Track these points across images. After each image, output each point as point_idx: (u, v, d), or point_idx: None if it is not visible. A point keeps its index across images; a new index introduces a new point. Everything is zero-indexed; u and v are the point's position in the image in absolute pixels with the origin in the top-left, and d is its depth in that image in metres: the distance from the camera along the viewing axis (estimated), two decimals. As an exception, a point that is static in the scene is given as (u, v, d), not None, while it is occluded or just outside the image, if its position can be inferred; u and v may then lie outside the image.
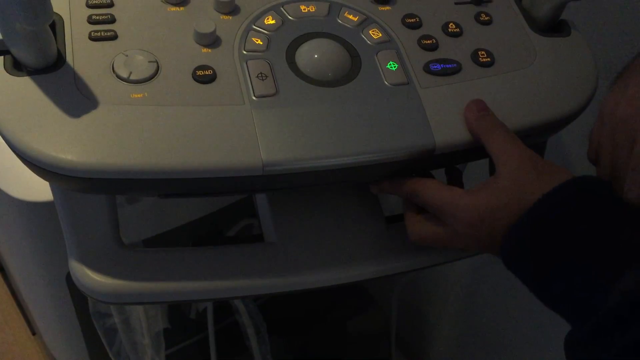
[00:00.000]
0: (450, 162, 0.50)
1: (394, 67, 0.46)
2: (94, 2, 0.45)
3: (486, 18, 0.50)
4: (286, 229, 0.48)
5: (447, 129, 0.44)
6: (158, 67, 0.42)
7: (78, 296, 0.78)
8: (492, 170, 0.55)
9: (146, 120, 0.40)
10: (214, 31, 0.44)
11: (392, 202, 0.50)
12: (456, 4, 0.51)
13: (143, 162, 0.38)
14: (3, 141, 0.40)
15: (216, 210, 0.90)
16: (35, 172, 0.40)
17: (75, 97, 0.40)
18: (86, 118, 0.39)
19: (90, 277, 0.44)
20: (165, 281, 0.45)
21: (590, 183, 0.39)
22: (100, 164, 0.38)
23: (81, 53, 0.42)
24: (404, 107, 0.44)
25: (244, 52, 0.44)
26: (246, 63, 0.44)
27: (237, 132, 0.41)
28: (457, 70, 0.47)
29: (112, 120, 0.39)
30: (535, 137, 0.48)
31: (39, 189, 0.71)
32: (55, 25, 0.43)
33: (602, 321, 0.35)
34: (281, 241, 0.48)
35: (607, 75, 0.69)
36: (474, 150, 0.45)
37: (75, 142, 0.38)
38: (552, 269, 0.38)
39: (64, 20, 0.44)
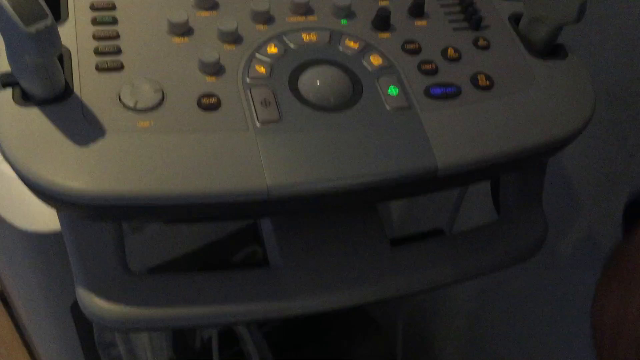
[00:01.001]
0: (455, 184, 0.50)
1: (395, 92, 0.47)
2: (101, 34, 0.46)
3: (484, 43, 0.51)
4: (291, 253, 0.49)
5: (449, 150, 0.44)
6: (164, 95, 0.43)
7: (83, 326, 0.78)
8: (496, 201, 0.56)
9: (152, 148, 0.41)
10: (218, 60, 0.45)
11: (395, 224, 0.50)
12: (455, 30, 0.52)
13: (149, 188, 0.39)
14: (6, 173, 0.40)
15: (220, 238, 0.91)
16: (43, 201, 0.41)
17: (82, 127, 0.41)
18: (93, 146, 0.40)
19: (97, 304, 0.44)
20: (172, 307, 0.45)
21: None
22: (108, 191, 0.39)
23: (88, 84, 0.43)
24: (405, 130, 0.45)
25: (248, 80, 0.45)
26: (250, 90, 0.45)
27: (241, 157, 0.41)
28: (457, 93, 0.48)
29: (119, 149, 0.40)
30: (536, 159, 0.48)
31: (43, 220, 0.72)
32: (63, 57, 0.44)
33: None
34: (286, 265, 0.48)
35: (605, 97, 0.70)
36: (478, 172, 0.45)
37: (83, 170, 0.39)
38: None
39: (71, 53, 0.45)
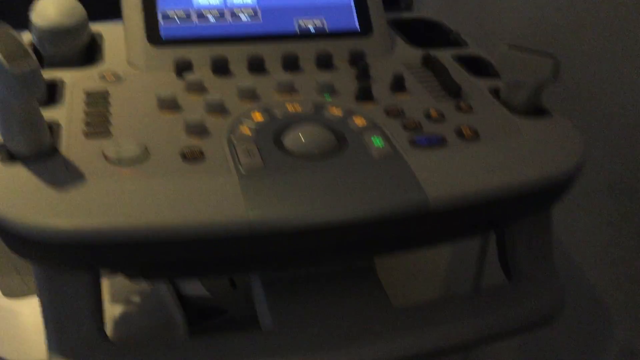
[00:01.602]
0: (450, 224, 0.47)
1: (380, 143, 0.47)
2: (92, 110, 0.48)
3: (466, 106, 0.52)
4: (283, 315, 0.45)
5: (439, 185, 0.43)
6: (148, 151, 0.44)
7: None
8: (505, 266, 0.53)
9: (132, 188, 0.40)
10: (203, 121, 0.46)
11: (398, 291, 0.47)
12: (436, 98, 0.54)
13: (126, 222, 0.38)
14: None
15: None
16: (20, 252, 0.40)
17: (64, 177, 0.41)
18: (72, 191, 0.40)
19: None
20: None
21: None
22: (83, 226, 0.37)
23: (74, 146, 0.44)
24: (392, 172, 0.44)
25: (232, 139, 0.46)
26: (234, 145, 0.45)
27: (223, 195, 0.40)
28: (442, 143, 0.47)
29: (98, 191, 0.40)
30: (532, 202, 0.47)
31: (32, 353, 0.69)
32: (53, 129, 0.45)
33: None
34: (278, 326, 0.44)
35: (609, 192, 0.69)
36: (471, 209, 0.43)
37: (60, 210, 0.38)
38: None
39: (62, 126, 0.46)
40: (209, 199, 0.40)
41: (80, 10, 0.56)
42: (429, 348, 0.44)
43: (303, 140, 0.46)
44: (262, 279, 0.48)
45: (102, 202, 0.39)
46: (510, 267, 0.51)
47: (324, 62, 0.58)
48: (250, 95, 0.51)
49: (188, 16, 0.58)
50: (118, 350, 0.41)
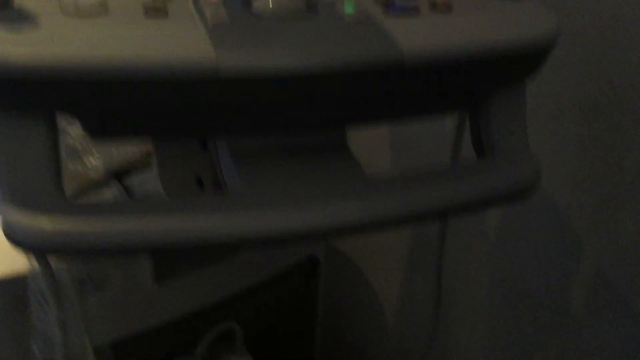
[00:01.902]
0: (425, 92, 0.46)
1: (352, 9, 0.45)
2: None
3: None
4: (251, 176, 0.43)
5: (414, 41, 0.42)
6: (107, 6, 0.41)
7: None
8: (478, 143, 0.52)
9: (91, 31, 0.38)
10: (167, -16, 0.44)
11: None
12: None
13: (83, 55, 0.36)
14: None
15: (193, 311, 0.83)
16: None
17: (18, 22, 0.38)
18: (26, 32, 0.37)
19: (24, 221, 0.37)
20: (117, 225, 0.38)
21: None
22: (37, 56, 0.35)
23: (29, 2, 0.41)
24: (365, 31, 0.43)
25: (198, 3, 0.44)
26: (200, 6, 0.43)
27: (190, 40, 0.39)
28: (415, 12, 0.46)
29: (54, 32, 0.38)
30: (508, 70, 0.46)
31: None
32: None
33: None
34: (245, 186, 0.42)
35: (581, 114, 0.69)
36: (448, 70, 0.42)
37: (12, 45, 0.36)
38: None
39: None
40: (175, 41, 0.38)
41: None
42: (403, 211, 0.43)
43: (273, 6, 0.44)
44: (232, 152, 0.46)
45: (58, 39, 0.37)
46: (484, 145, 0.50)
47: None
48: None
49: None
50: (74, 205, 0.39)
